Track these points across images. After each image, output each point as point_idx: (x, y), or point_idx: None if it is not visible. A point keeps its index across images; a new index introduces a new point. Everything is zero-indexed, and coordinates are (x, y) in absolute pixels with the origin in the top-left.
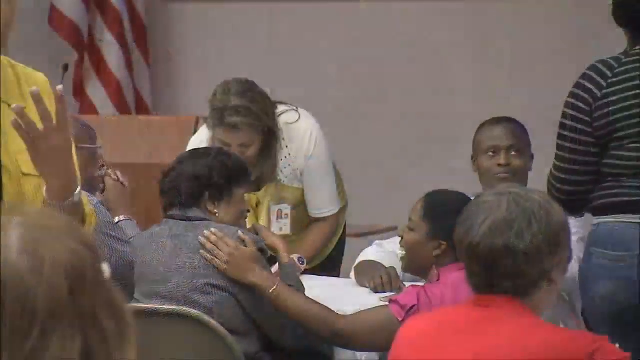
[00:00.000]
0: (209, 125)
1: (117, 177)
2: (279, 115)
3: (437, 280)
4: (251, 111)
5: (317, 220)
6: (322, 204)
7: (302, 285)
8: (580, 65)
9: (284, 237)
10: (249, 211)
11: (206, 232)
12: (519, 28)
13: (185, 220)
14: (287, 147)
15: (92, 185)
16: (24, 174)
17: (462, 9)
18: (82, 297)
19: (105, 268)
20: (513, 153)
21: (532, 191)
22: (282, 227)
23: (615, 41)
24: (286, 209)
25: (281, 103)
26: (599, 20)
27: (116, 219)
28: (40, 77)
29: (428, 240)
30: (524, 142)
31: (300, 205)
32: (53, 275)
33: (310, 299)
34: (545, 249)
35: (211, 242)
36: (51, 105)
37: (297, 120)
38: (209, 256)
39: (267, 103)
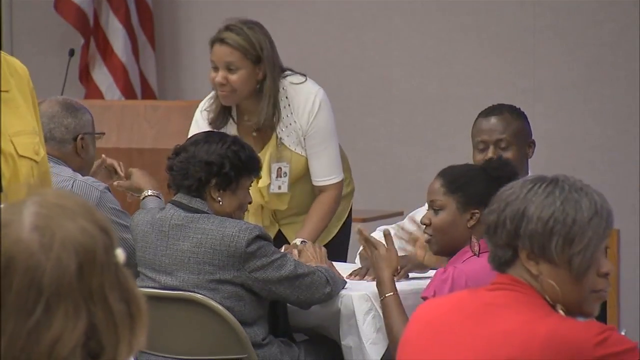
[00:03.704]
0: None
1: (116, 166)
2: (286, 76)
3: (478, 250)
4: (244, 32)
5: (320, 192)
6: (325, 171)
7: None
8: (584, 51)
9: (283, 195)
10: (250, 203)
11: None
12: (522, 15)
13: (186, 210)
14: (289, 105)
15: (89, 170)
16: (20, 156)
17: None
18: (90, 277)
19: (120, 253)
20: (502, 146)
21: (584, 187)
22: (280, 185)
23: (615, 28)
24: (285, 167)
25: (292, 70)
26: (601, 9)
27: (144, 193)
28: (18, 64)
29: (460, 214)
30: (515, 133)
31: (302, 178)
32: (62, 252)
33: (406, 318)
34: (510, 224)
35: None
36: (24, 93)
37: (302, 82)
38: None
39: (265, 40)
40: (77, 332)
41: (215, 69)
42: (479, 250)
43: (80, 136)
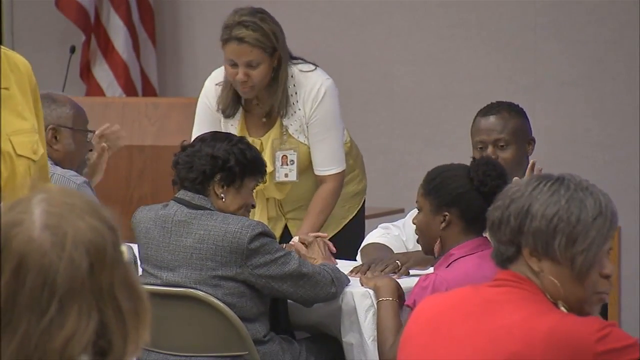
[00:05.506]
0: (222, 46)
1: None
2: (296, 64)
3: (443, 254)
4: (259, 27)
5: (321, 182)
6: (325, 161)
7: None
8: (584, 48)
9: (289, 184)
10: (253, 206)
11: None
12: (523, 12)
13: (190, 207)
14: (296, 93)
15: (82, 166)
16: (18, 155)
17: None
18: (101, 275)
19: (125, 249)
20: (501, 145)
21: (586, 190)
22: (287, 173)
23: (615, 25)
24: (292, 154)
25: (303, 60)
26: (601, 6)
27: None
28: (20, 59)
29: (433, 216)
30: (514, 132)
31: (308, 170)
32: (74, 251)
33: (399, 325)
34: (514, 221)
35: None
36: (23, 89)
37: (311, 70)
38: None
39: (277, 28)
40: (89, 330)
41: (234, 65)
42: (438, 252)
43: (50, 126)
